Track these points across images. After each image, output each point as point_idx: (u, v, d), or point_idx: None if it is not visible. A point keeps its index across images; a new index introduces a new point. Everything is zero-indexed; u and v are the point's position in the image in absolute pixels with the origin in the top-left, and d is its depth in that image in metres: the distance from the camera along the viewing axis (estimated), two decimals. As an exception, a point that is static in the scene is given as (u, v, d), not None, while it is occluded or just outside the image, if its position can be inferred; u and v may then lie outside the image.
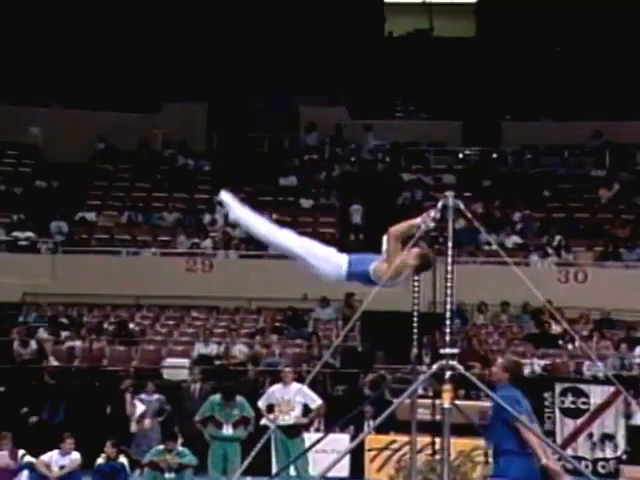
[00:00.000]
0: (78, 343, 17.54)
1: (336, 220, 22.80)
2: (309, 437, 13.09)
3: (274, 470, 12.81)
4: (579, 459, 14.09)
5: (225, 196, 7.52)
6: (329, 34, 25.83)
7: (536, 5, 26.21)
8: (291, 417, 12.15)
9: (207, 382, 15.92)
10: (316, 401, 12.29)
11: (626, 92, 25.17)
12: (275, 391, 12.48)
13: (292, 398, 11.96)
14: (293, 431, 12.15)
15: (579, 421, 15.03)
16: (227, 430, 12.20)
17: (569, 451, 14.21)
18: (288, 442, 12.03)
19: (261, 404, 12.50)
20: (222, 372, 16.59)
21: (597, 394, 15.12)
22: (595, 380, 16.10)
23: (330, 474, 10.51)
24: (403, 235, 6.69)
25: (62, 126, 24.18)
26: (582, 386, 15.50)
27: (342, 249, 22.76)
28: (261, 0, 25.85)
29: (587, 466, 14.23)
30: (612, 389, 14.70)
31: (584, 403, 15.17)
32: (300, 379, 13.45)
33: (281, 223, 22.86)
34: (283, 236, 7.38)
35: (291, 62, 25.14)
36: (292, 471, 12.07)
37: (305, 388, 12.11)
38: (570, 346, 17.82)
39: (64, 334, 17.97)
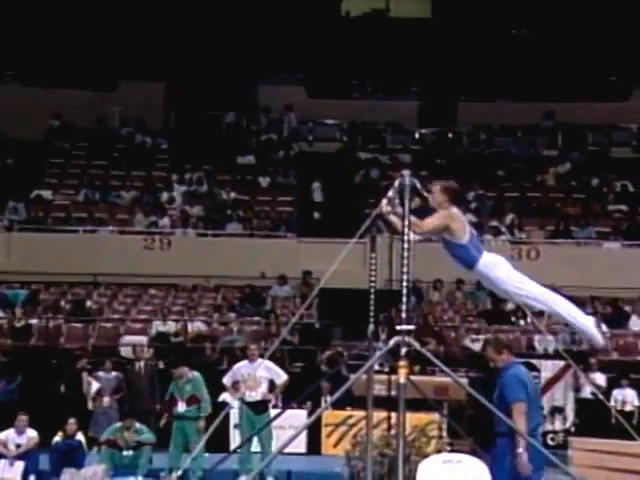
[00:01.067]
0: (35, 321, 17.40)
1: (294, 198, 22.81)
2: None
3: (232, 446, 12.84)
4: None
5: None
6: (286, 14, 25.70)
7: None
8: (257, 393, 12.11)
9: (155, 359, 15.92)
10: (282, 376, 12.27)
11: (578, 74, 25.39)
12: (241, 367, 12.34)
13: (258, 374, 11.93)
14: (260, 407, 12.12)
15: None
16: (181, 407, 12.15)
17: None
18: (254, 418, 12.00)
19: (226, 380, 12.41)
20: (179, 349, 16.59)
21: (548, 368, 15.33)
22: (546, 355, 16.31)
23: (287, 450, 10.59)
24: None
25: (17, 103, 23.85)
26: (534, 361, 15.68)
27: (301, 228, 22.82)
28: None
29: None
30: (562, 363, 14.91)
31: (535, 377, 15.26)
32: (259, 356, 13.46)
33: (238, 202, 23.06)
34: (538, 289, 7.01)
35: (249, 42, 24.97)
36: (256, 446, 12.05)
37: (270, 363, 12.14)
38: (522, 322, 18.02)
39: (19, 312, 17.81)
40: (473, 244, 6.92)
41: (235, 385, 12.41)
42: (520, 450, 6.67)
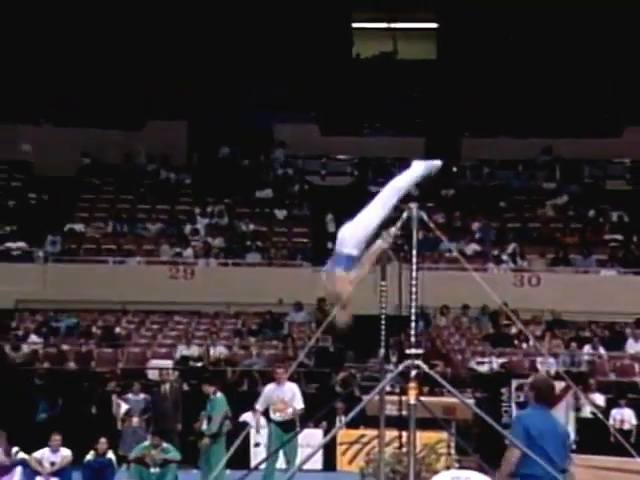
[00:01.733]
0: (66, 346, 17.46)
1: (309, 230, 22.87)
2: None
3: (253, 463, 12.82)
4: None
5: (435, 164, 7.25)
6: (301, 56, 25.90)
7: (492, 32, 26.42)
8: (287, 414, 11.92)
9: (180, 382, 15.91)
10: (300, 405, 12.12)
11: (574, 112, 25.47)
12: (270, 391, 12.15)
13: (287, 396, 11.84)
14: (289, 426, 12.00)
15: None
16: (204, 425, 12.18)
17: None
18: (284, 435, 11.84)
19: (259, 406, 12.10)
20: (202, 372, 16.59)
21: (549, 389, 15.24)
22: (548, 376, 16.23)
23: (305, 467, 10.59)
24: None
25: (51, 143, 24.10)
26: (536, 382, 15.60)
27: (316, 258, 22.89)
28: (236, 26, 25.82)
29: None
30: (563, 384, 14.82)
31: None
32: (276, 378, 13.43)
33: (257, 234, 23.12)
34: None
35: (266, 83, 25.18)
36: (281, 463, 11.99)
37: (296, 388, 12.04)
38: (525, 345, 17.95)
39: (54, 339, 17.88)
40: (339, 262, 6.96)
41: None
42: None
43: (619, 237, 22.45)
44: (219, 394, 12.40)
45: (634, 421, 15.35)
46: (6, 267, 19.94)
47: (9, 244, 20.98)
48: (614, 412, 15.28)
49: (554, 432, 6.38)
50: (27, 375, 16.55)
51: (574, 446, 14.89)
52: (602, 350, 18.06)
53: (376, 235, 6.93)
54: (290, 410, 11.86)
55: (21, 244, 21.02)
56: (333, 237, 24.35)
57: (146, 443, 12.49)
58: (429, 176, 7.35)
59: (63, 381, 16.27)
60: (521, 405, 15.19)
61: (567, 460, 6.44)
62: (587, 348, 17.96)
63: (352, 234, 6.85)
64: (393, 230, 6.59)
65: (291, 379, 13.36)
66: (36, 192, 23.46)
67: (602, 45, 25.45)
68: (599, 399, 15.73)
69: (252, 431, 13.53)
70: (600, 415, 12.73)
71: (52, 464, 12.58)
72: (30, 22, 24.89)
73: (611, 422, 14.52)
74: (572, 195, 23.94)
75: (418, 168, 7.15)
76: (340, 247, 6.83)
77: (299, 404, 12.06)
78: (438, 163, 7.14)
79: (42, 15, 24.93)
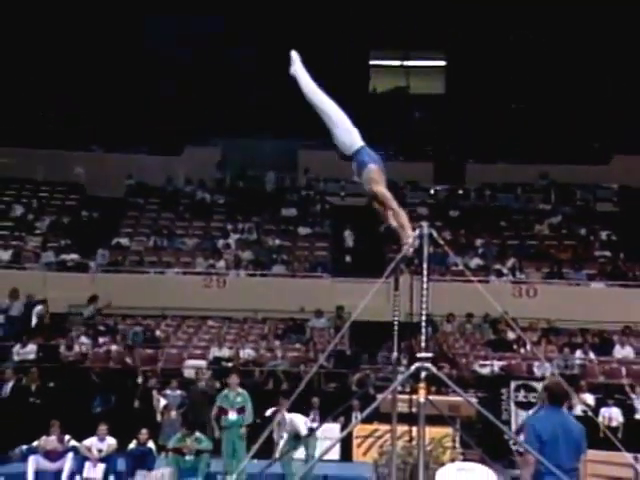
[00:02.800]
0: (114, 347, 17.54)
1: (329, 245, 22.87)
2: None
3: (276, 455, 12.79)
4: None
5: (294, 54, 7.35)
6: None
7: (495, 69, 26.44)
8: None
9: (212, 380, 15.91)
10: (303, 432, 12.20)
11: (568, 141, 25.43)
12: (289, 422, 12.44)
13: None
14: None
15: (530, 412, 15.02)
16: (232, 415, 12.14)
17: (521, 437, 14.18)
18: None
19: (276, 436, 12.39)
20: (232, 370, 16.58)
21: (545, 390, 15.13)
22: (543, 378, 16.10)
23: (324, 457, 10.56)
24: (398, 223, 6.65)
25: (101, 167, 24.32)
26: (532, 383, 15.51)
27: (335, 270, 22.72)
28: (264, 59, 25.99)
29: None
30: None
31: (534, 397, 15.17)
32: (299, 378, 13.45)
33: (282, 248, 23.16)
34: (326, 99, 7.22)
35: (293, 113, 25.25)
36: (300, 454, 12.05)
37: (308, 422, 12.26)
38: (522, 350, 17.83)
39: (102, 340, 17.95)
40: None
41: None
42: None
43: (607, 254, 22.30)
44: (241, 389, 12.40)
45: (621, 419, 15.18)
46: (61, 276, 20.07)
47: (64, 256, 21.11)
48: (603, 410, 15.14)
49: (566, 432, 6.22)
50: (82, 372, 16.57)
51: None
52: (592, 355, 17.92)
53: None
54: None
55: (74, 256, 21.14)
56: (351, 251, 24.40)
57: (180, 434, 12.49)
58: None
59: (112, 378, 16.28)
60: (520, 404, 15.11)
61: (579, 457, 6.27)
62: (579, 353, 17.84)
63: (343, 134, 6.93)
64: (411, 241, 6.51)
65: (312, 379, 13.41)
66: (88, 210, 23.63)
67: (591, 82, 25.44)
68: (589, 399, 15.59)
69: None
70: (590, 413, 12.63)
71: (99, 451, 12.61)
72: (83, 58, 25.20)
73: (600, 419, 14.38)
74: (565, 216, 23.85)
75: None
76: (351, 151, 6.86)
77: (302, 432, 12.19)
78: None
79: (93, 52, 25.23)
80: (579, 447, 6.29)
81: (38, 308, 18.64)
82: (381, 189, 6.47)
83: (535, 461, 6.03)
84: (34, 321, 18.55)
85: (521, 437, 13.01)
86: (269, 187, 25.22)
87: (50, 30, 24.77)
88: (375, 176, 6.49)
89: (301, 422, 12.19)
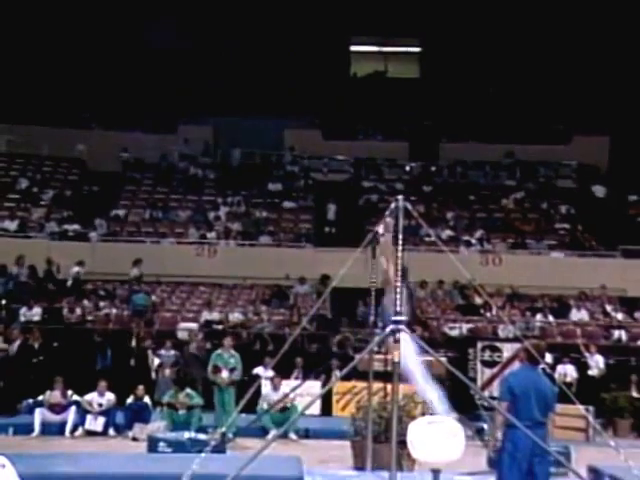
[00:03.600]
0: (113, 310, 17.46)
1: (312, 217, 22.81)
2: (288, 384, 13.23)
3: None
4: (494, 398, 14.14)
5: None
6: (308, 75, 25.82)
7: (466, 55, 26.34)
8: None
9: (204, 341, 15.89)
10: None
11: (532, 122, 25.44)
12: (269, 394, 12.80)
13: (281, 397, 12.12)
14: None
15: (494, 370, 15.11)
16: (225, 374, 12.14)
17: (487, 392, 14.29)
18: None
19: (259, 408, 12.61)
20: (225, 333, 16.56)
21: (508, 349, 15.17)
22: (507, 339, 16.21)
23: (306, 412, 10.59)
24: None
25: (101, 143, 24.07)
26: (497, 344, 15.57)
27: (317, 240, 22.59)
28: (256, 48, 25.75)
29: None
30: (519, 345, 14.78)
31: (498, 356, 15.24)
32: (283, 340, 13.44)
33: (269, 220, 23.03)
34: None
35: (279, 95, 25.09)
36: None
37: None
38: (488, 314, 17.93)
39: (102, 304, 17.87)
40: None
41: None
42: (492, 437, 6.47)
43: (567, 226, 22.40)
44: (233, 350, 12.42)
45: (575, 375, 15.33)
46: (63, 245, 19.93)
47: (66, 226, 20.95)
48: (559, 368, 15.25)
49: (537, 389, 6.35)
50: (83, 333, 16.49)
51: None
52: (551, 318, 18.06)
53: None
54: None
55: (76, 226, 20.99)
56: (332, 224, 24.28)
57: (173, 390, 12.49)
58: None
59: (111, 339, 16.23)
60: (485, 363, 15.20)
61: (547, 413, 6.41)
62: (539, 316, 17.96)
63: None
64: (388, 220, 6.51)
65: (295, 341, 13.42)
66: (88, 184, 23.42)
67: (555, 68, 25.41)
68: (548, 357, 15.64)
69: (262, 382, 13.56)
70: (548, 370, 12.71)
71: (100, 405, 12.61)
72: (84, 43, 24.86)
73: (557, 376, 14.51)
74: (529, 191, 23.90)
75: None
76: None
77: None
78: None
79: (94, 38, 24.89)
80: (548, 404, 6.43)
81: (74, 270, 18.53)
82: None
83: (506, 409, 6.20)
84: (69, 282, 18.49)
85: (486, 393, 13.14)
86: (235, 162, 24.91)
87: (54, 17, 24.42)
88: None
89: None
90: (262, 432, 11.73)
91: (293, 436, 12.08)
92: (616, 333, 17.55)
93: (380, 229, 6.68)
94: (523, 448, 6.19)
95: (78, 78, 24.70)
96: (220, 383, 12.01)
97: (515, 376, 6.56)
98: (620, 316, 18.30)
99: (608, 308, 18.61)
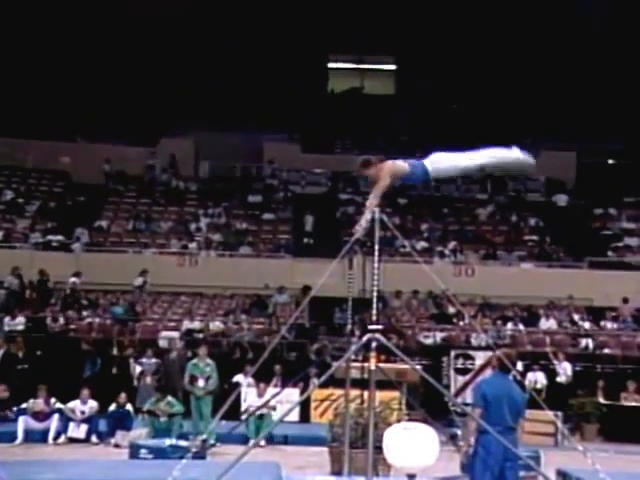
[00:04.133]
0: (96, 320, 17.30)
1: (290, 229, 22.80)
2: (271, 392, 13.12)
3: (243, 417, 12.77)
4: (466, 404, 14.17)
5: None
6: (287, 90, 25.88)
7: (439, 73, 26.57)
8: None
9: (184, 349, 15.78)
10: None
11: (500, 136, 25.41)
12: (252, 402, 12.70)
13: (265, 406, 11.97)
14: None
15: (467, 377, 15.17)
16: (202, 383, 12.05)
17: (460, 399, 14.33)
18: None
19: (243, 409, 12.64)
20: (202, 342, 16.45)
21: (480, 357, 15.28)
22: (479, 347, 16.29)
23: (285, 419, 10.53)
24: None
25: (85, 156, 23.91)
26: (470, 352, 15.66)
27: (296, 251, 22.50)
28: (237, 64, 25.78)
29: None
30: (491, 353, 14.84)
31: (471, 364, 15.32)
32: (263, 348, 13.39)
33: (248, 231, 22.95)
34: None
35: (259, 109, 25.11)
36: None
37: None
38: (461, 323, 18.01)
39: (85, 313, 17.70)
40: (413, 165, 6.76)
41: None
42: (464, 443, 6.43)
43: (535, 238, 22.58)
44: (209, 359, 12.33)
45: (544, 382, 15.43)
46: (47, 255, 19.77)
47: (50, 237, 20.78)
48: (529, 375, 15.34)
49: (509, 396, 6.39)
50: (66, 342, 16.34)
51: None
52: (521, 326, 18.17)
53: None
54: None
55: (60, 237, 20.81)
56: (310, 235, 24.27)
57: (155, 398, 12.38)
58: (518, 167, 6.93)
59: (94, 348, 16.08)
60: (458, 371, 15.27)
61: (518, 419, 6.44)
62: (510, 325, 18.06)
63: (441, 157, 6.79)
64: (363, 222, 6.50)
65: (275, 349, 13.39)
66: (72, 196, 23.23)
67: (523, 86, 25.70)
68: (519, 365, 15.77)
69: (242, 389, 13.49)
70: (519, 377, 12.78)
71: (82, 412, 12.48)
72: (69, 58, 24.72)
73: (527, 383, 14.58)
74: (499, 204, 24.06)
75: (516, 154, 6.83)
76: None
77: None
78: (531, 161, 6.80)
79: (79, 53, 24.76)
80: (519, 410, 6.47)
81: (71, 280, 18.38)
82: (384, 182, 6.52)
83: (479, 415, 6.21)
84: (67, 291, 18.36)
85: (459, 399, 13.17)
86: (204, 174, 24.80)
87: (37, 31, 24.24)
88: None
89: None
90: (242, 439, 11.65)
91: (262, 442, 11.96)
92: (583, 341, 17.69)
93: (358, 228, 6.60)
94: (495, 453, 6.22)
95: (63, 92, 24.56)
96: (197, 393, 11.93)
97: (488, 383, 6.61)
98: (587, 325, 18.45)
99: (575, 317, 18.76)
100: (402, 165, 6.60)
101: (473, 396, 6.53)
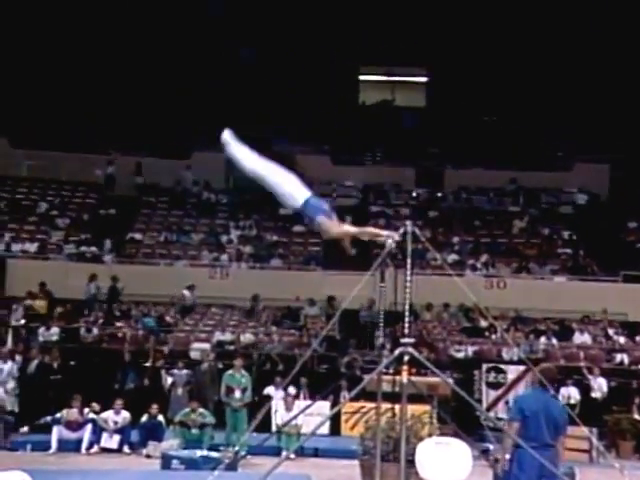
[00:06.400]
0: (128, 331, 17.48)
1: (321, 241, 22.79)
2: (299, 404, 13.14)
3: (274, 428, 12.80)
4: (499, 419, 14.11)
5: (226, 135, 6.58)
6: (319, 103, 25.98)
7: (471, 84, 26.49)
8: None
9: (216, 361, 15.84)
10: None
11: (535, 150, 25.52)
12: (282, 415, 12.75)
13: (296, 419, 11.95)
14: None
15: (499, 391, 15.06)
16: (238, 394, 12.11)
17: (492, 413, 14.24)
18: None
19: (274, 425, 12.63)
20: (236, 354, 16.51)
21: (512, 371, 15.17)
22: (511, 361, 16.16)
23: (315, 432, 10.52)
24: (369, 237, 6.40)
25: (119, 169, 24.24)
26: (502, 366, 15.54)
27: (326, 263, 22.58)
28: (269, 77, 25.96)
29: (504, 424, 14.15)
30: (523, 367, 14.75)
31: (503, 378, 15.21)
32: (293, 360, 13.42)
33: (279, 243, 23.03)
34: (266, 165, 6.46)
35: (290, 122, 25.24)
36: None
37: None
38: (493, 336, 17.87)
39: (118, 324, 17.89)
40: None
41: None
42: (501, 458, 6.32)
43: (569, 251, 22.37)
44: (244, 371, 12.40)
45: (578, 397, 15.25)
46: (81, 266, 20.00)
47: (84, 248, 21.06)
48: (563, 390, 15.16)
49: (547, 411, 6.32)
50: (99, 352, 16.55)
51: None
52: (554, 341, 17.98)
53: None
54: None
55: (93, 249, 21.09)
56: (341, 247, 23.84)
57: (187, 409, 12.49)
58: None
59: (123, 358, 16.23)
60: (490, 385, 15.15)
61: (557, 435, 6.35)
62: (543, 339, 17.88)
63: (287, 192, 6.26)
64: (396, 237, 6.47)
65: (305, 362, 13.39)
66: (105, 208, 23.55)
67: (557, 98, 25.52)
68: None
69: (273, 402, 13.54)
70: (552, 392, 12.66)
71: (115, 423, 12.62)
72: (102, 66, 25.11)
73: (560, 398, 14.42)
74: (532, 217, 23.88)
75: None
76: (298, 206, 6.24)
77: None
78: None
79: (114, 69, 25.16)
80: (558, 426, 6.38)
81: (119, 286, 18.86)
82: (339, 231, 6.12)
83: (516, 431, 6.15)
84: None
85: (491, 414, 13.07)
86: (186, 185, 24.69)
87: (73, 45, 24.69)
88: (327, 225, 6.10)
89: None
90: (273, 451, 11.68)
91: (292, 455, 11.94)
92: (618, 356, 17.45)
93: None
94: (529, 469, 6.14)
95: (97, 105, 24.94)
96: (234, 404, 11.99)
97: (526, 398, 6.58)
98: (622, 340, 18.20)
99: (610, 332, 18.52)
100: (321, 222, 6.14)
101: (511, 411, 6.50)
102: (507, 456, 6.31)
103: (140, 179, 24.34)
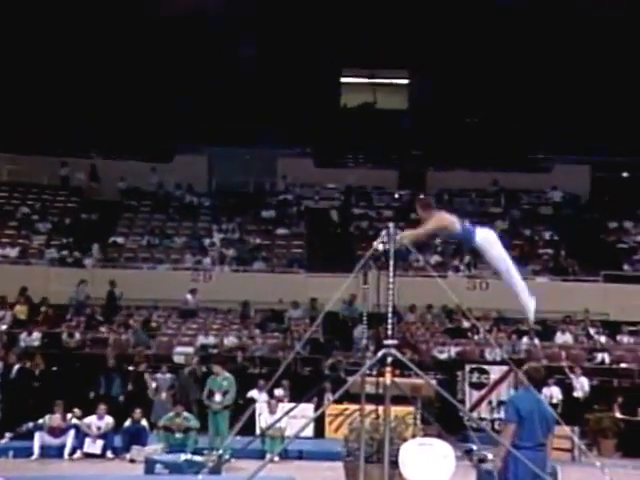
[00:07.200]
0: (111, 335, 17.38)
1: (304, 244, 22.84)
2: (283, 407, 13.12)
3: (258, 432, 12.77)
4: (482, 419, 14.17)
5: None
6: (301, 106, 26.00)
7: (451, 87, 26.62)
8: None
9: (199, 364, 15.78)
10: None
11: (515, 152, 25.69)
12: (266, 418, 12.74)
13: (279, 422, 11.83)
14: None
15: (482, 392, 15.12)
16: (219, 397, 12.07)
17: (475, 414, 14.29)
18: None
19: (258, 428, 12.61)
20: (217, 357, 16.45)
21: (495, 372, 15.23)
22: (494, 362, 16.23)
23: (299, 434, 10.53)
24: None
25: (100, 172, 24.11)
26: (484, 366, 15.60)
27: (309, 266, 22.54)
28: (250, 80, 25.94)
29: (487, 424, 14.26)
30: (506, 368, 14.82)
31: (486, 378, 15.26)
32: (277, 363, 13.40)
33: (262, 246, 22.96)
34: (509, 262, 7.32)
35: (272, 125, 25.24)
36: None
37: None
38: (476, 337, 17.95)
39: (100, 329, 17.78)
40: (465, 228, 6.84)
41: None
42: (497, 458, 6.31)
43: (550, 252, 22.50)
44: (227, 374, 12.34)
45: (560, 397, 15.34)
46: (62, 271, 19.91)
47: (64, 252, 20.92)
48: (545, 390, 15.19)
49: (540, 411, 6.36)
50: (81, 358, 16.43)
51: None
52: (536, 341, 18.09)
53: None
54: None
55: (75, 253, 20.95)
56: (324, 249, 23.93)
57: (171, 413, 12.43)
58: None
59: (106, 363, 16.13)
60: (473, 385, 15.21)
61: (548, 435, 6.39)
62: (525, 339, 17.98)
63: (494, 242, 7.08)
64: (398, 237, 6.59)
65: (289, 364, 13.40)
66: (87, 212, 23.41)
67: (536, 101, 25.72)
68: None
69: (257, 405, 13.50)
70: (534, 392, 12.71)
71: (98, 428, 12.54)
72: (82, 70, 24.99)
73: (542, 397, 14.49)
74: (513, 218, 24.01)
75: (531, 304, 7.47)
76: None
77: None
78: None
79: (95, 71, 25.04)
80: (549, 425, 6.43)
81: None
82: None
83: (513, 432, 6.17)
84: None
85: (474, 414, 13.12)
86: (150, 186, 24.62)
87: (53, 49, 24.54)
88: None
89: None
90: (257, 454, 11.65)
91: (276, 458, 11.91)
92: (599, 356, 17.59)
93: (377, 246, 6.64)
94: (525, 471, 6.15)
95: (78, 109, 24.80)
96: (214, 407, 11.96)
97: (520, 399, 6.54)
98: (603, 339, 18.35)
99: (591, 331, 18.66)
100: (454, 225, 6.78)
101: (506, 412, 6.48)
102: (501, 457, 6.28)
103: (123, 184, 24.21)
